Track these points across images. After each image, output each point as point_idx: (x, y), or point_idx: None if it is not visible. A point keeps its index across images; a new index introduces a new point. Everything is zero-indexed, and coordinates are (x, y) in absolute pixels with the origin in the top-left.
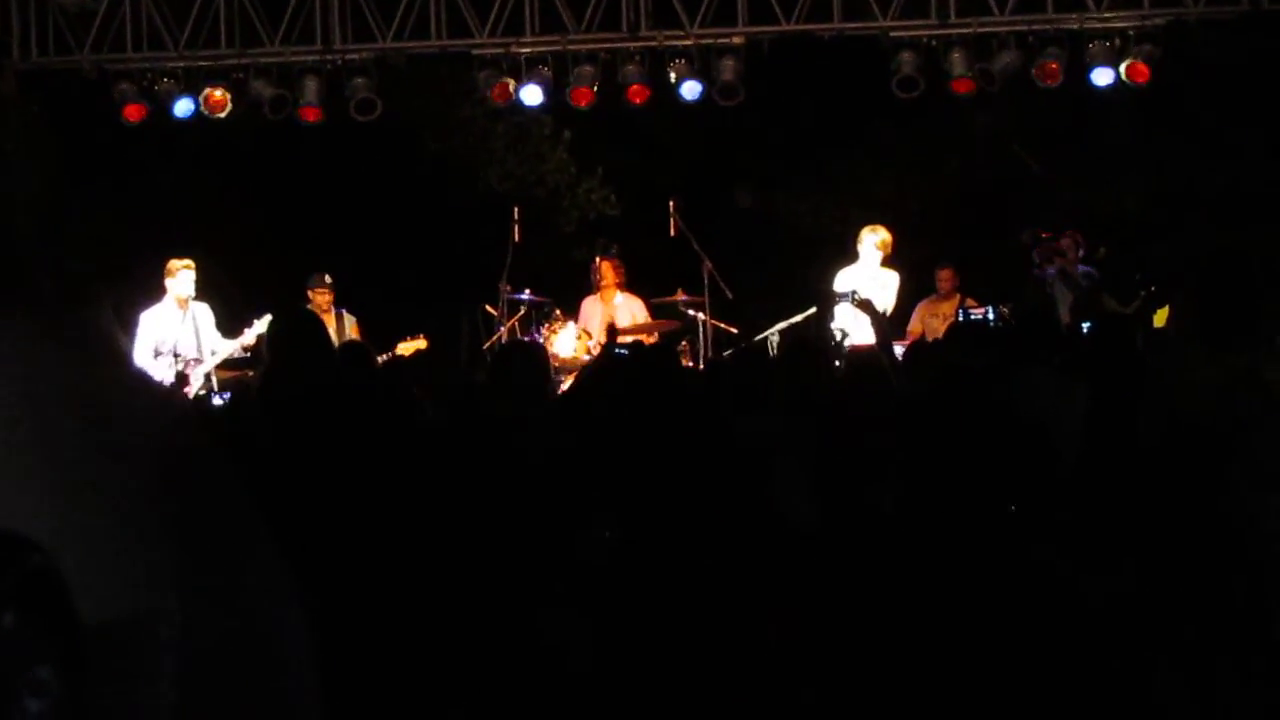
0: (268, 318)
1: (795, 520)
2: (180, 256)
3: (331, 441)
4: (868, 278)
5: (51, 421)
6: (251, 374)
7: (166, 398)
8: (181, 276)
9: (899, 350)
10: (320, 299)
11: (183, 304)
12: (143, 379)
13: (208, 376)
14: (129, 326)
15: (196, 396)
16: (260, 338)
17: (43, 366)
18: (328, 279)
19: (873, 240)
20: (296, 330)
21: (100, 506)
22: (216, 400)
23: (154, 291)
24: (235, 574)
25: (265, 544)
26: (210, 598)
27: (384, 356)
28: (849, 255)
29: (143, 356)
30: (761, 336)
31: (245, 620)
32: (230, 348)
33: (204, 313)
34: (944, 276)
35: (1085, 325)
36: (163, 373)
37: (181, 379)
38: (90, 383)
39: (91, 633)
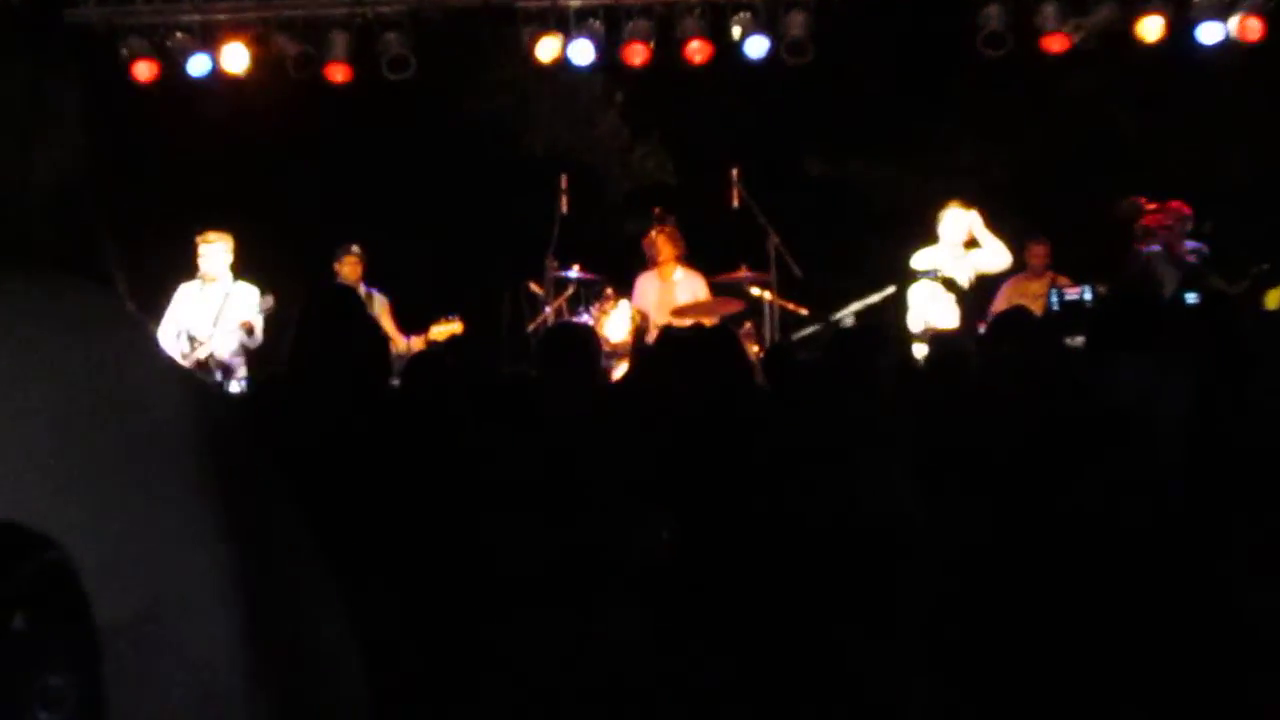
0: (267, 298)
1: (891, 519)
2: (209, 230)
3: (368, 436)
4: (951, 259)
5: (71, 406)
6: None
7: (199, 385)
8: (202, 251)
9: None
10: (348, 272)
11: (208, 280)
12: (174, 364)
13: (210, 358)
14: (152, 303)
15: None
16: (264, 316)
17: (65, 347)
18: (355, 250)
19: (961, 220)
20: (332, 307)
21: (123, 499)
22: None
23: (186, 267)
24: (272, 571)
25: (304, 539)
26: (246, 596)
27: (417, 340)
28: (927, 228)
29: (166, 335)
30: (835, 318)
31: (286, 618)
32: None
33: (240, 293)
34: (1037, 252)
35: (1190, 297)
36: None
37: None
38: (117, 366)
39: (109, 635)
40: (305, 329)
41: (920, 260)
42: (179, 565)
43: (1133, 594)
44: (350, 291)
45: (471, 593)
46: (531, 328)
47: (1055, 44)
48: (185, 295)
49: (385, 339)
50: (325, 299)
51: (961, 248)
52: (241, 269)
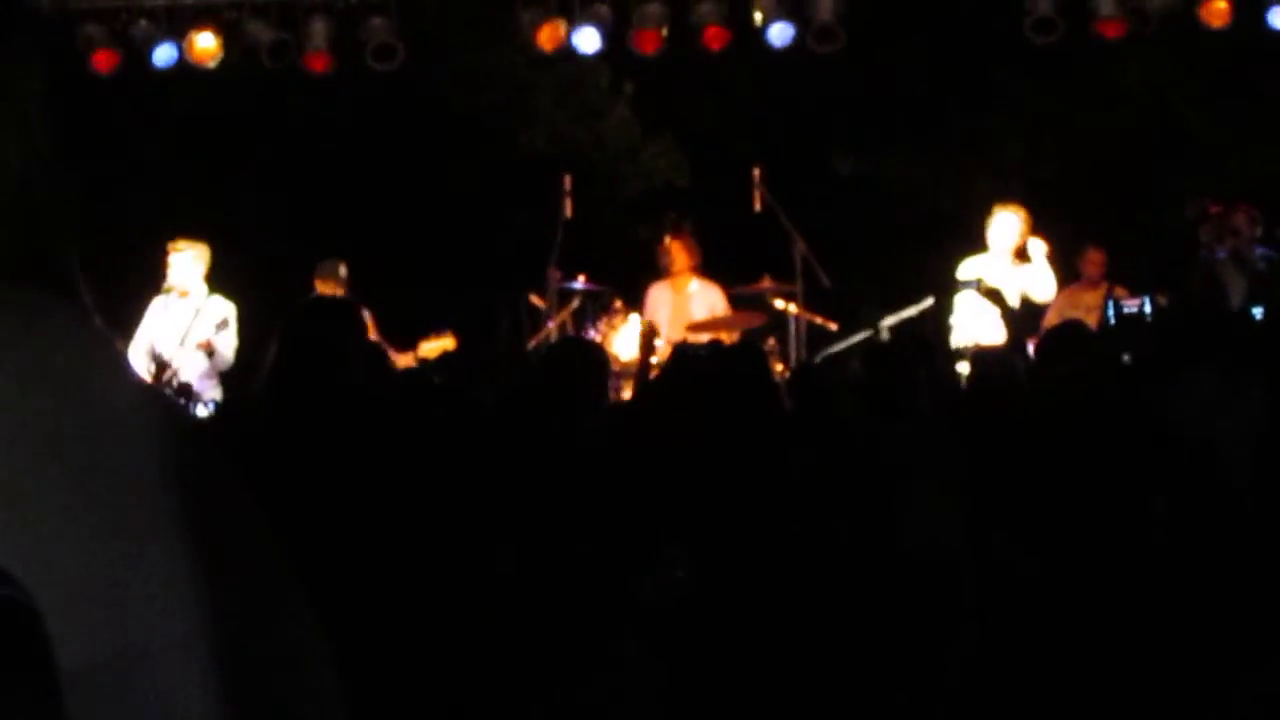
0: (227, 307)
1: (932, 554)
2: (180, 238)
3: (358, 464)
4: (999, 269)
5: (29, 431)
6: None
7: (171, 408)
8: (171, 261)
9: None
10: (329, 291)
11: (180, 294)
12: (143, 386)
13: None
14: (125, 318)
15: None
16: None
17: (23, 366)
18: (342, 271)
19: (1012, 225)
20: (322, 319)
21: (87, 531)
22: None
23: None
24: (252, 609)
25: (286, 576)
26: (223, 638)
27: (405, 358)
28: (970, 233)
29: (137, 354)
30: (869, 333)
31: (267, 662)
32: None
33: (213, 308)
34: (1092, 259)
35: (1258, 310)
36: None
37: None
38: (81, 387)
39: (73, 681)
40: (289, 344)
41: (966, 270)
42: (149, 604)
43: (1198, 630)
44: (343, 303)
45: (470, 639)
46: (532, 344)
47: (1112, 29)
48: (157, 310)
49: (384, 354)
50: (314, 310)
51: (1012, 257)
52: (216, 281)
